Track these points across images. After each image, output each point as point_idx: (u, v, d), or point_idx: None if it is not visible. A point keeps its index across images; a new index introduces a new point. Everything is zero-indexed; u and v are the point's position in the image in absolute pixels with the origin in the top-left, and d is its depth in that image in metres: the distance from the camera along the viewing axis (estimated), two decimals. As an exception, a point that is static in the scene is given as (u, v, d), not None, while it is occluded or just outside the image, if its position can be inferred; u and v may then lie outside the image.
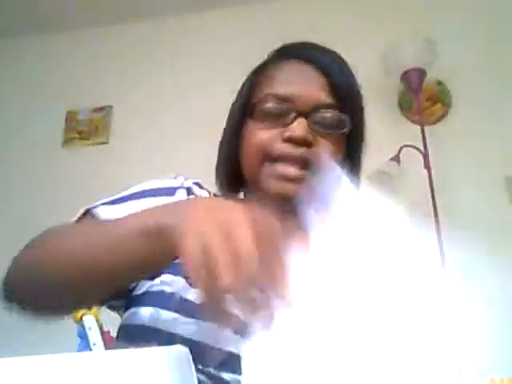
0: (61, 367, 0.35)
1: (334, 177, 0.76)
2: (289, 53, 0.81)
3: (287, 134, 0.73)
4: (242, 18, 2.63)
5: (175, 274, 0.68)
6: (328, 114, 0.75)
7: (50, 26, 2.89)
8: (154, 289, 0.68)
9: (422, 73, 2.20)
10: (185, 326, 0.63)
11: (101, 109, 2.79)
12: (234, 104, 0.84)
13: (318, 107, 0.75)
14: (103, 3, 2.78)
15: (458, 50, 2.40)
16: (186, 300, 0.66)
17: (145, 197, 0.75)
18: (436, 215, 2.03)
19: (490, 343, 2.03)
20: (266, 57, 0.86)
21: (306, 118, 0.74)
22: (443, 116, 2.41)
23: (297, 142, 0.73)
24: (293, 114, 0.74)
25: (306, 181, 0.72)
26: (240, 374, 0.62)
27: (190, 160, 2.06)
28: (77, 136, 2.77)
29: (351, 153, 0.82)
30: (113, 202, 0.74)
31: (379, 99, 2.45)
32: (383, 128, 2.41)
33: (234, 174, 0.81)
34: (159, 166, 2.39)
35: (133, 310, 0.69)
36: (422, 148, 2.15)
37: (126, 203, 0.74)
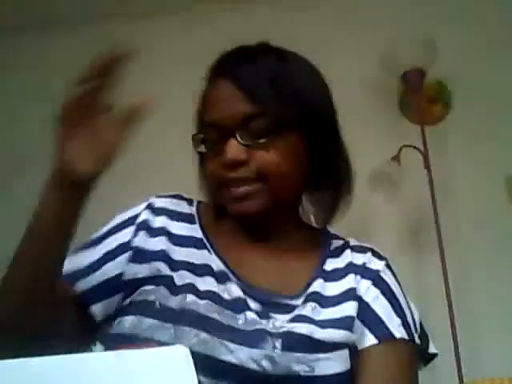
0: (61, 368, 0.35)
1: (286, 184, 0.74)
2: (214, 71, 0.79)
3: (222, 159, 0.72)
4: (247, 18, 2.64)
5: (157, 284, 0.71)
6: (254, 125, 0.72)
7: (50, 26, 2.89)
8: (138, 298, 0.71)
9: (422, 73, 2.20)
10: (163, 331, 0.65)
11: (101, 109, 2.78)
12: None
13: (242, 121, 0.72)
14: (103, 3, 2.78)
15: (458, 50, 2.41)
16: (165, 307, 0.68)
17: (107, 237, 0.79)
18: (436, 215, 2.03)
19: (491, 343, 2.03)
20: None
21: (234, 137, 0.71)
22: (443, 116, 2.41)
23: (231, 165, 0.71)
24: (224, 137, 0.72)
25: (257, 195, 0.72)
26: (220, 378, 0.62)
27: (189, 160, 2.06)
28: (77, 136, 2.76)
29: (318, 152, 0.77)
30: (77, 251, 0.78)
31: (379, 99, 2.45)
32: (383, 128, 2.41)
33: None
34: (159, 165, 2.39)
35: (118, 319, 0.71)
36: (422, 148, 2.15)
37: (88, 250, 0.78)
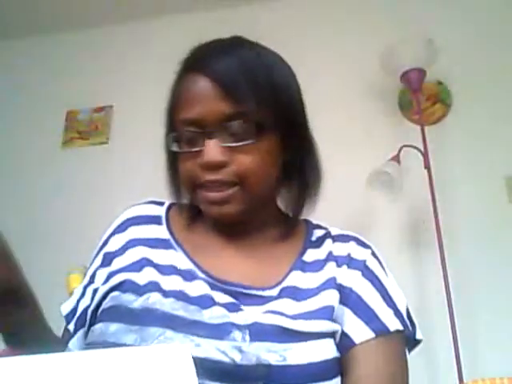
0: (59, 366, 0.35)
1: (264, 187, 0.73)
2: (188, 65, 0.74)
3: (200, 161, 0.69)
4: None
5: (123, 291, 0.70)
6: (235, 126, 0.68)
7: (49, 27, 2.89)
8: (106, 305, 0.71)
9: (422, 73, 2.20)
10: (128, 333, 0.64)
11: (101, 109, 2.79)
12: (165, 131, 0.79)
13: (222, 121, 0.68)
14: (103, 3, 2.78)
15: (458, 50, 2.41)
16: (130, 309, 0.67)
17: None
18: (436, 215, 2.03)
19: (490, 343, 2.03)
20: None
21: (214, 138, 0.68)
22: (443, 116, 2.41)
23: (210, 167, 0.68)
24: (203, 137, 0.69)
25: (236, 199, 0.70)
26: None
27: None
28: (77, 136, 2.77)
29: (292, 150, 0.75)
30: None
31: (379, 99, 2.45)
32: (383, 128, 2.41)
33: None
34: (159, 165, 2.39)
35: (91, 329, 0.71)
36: (422, 148, 2.15)
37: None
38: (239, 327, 0.64)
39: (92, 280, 0.78)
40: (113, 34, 2.88)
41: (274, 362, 0.61)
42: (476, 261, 2.15)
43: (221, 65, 0.70)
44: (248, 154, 0.69)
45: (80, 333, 0.76)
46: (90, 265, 0.81)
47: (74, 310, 0.79)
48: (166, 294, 0.68)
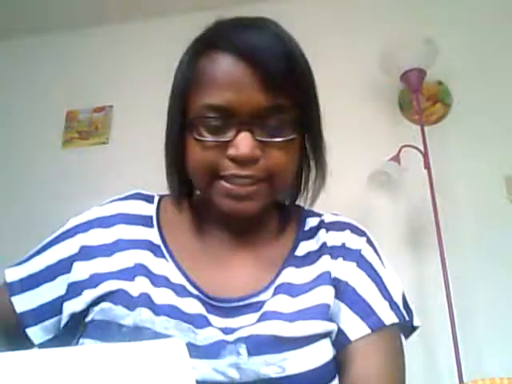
0: (54, 361, 0.35)
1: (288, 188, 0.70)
2: (212, 42, 0.66)
3: (231, 152, 0.63)
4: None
5: (115, 303, 0.65)
6: (273, 121, 0.64)
7: (49, 26, 2.89)
8: (97, 318, 0.65)
9: (422, 73, 2.20)
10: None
11: (101, 109, 2.79)
12: (169, 114, 0.72)
13: (260, 114, 0.63)
14: (103, 3, 2.78)
15: (458, 50, 2.41)
16: (121, 326, 0.63)
17: (50, 247, 0.74)
18: (436, 215, 2.03)
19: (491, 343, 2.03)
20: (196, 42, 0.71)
21: (249, 130, 0.63)
22: (443, 116, 2.41)
23: (242, 161, 0.63)
24: (234, 127, 0.63)
25: (260, 195, 0.66)
26: None
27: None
28: (77, 136, 2.77)
29: (312, 147, 0.72)
30: (20, 262, 0.75)
31: (379, 99, 2.45)
32: (383, 128, 2.41)
33: (185, 182, 0.73)
34: (159, 165, 2.39)
35: (81, 341, 0.66)
36: (422, 148, 2.14)
37: (31, 260, 0.74)
38: (233, 342, 0.62)
39: (66, 270, 0.70)
40: (113, 34, 2.88)
41: (273, 375, 0.60)
42: (476, 261, 2.15)
43: (260, 47, 0.63)
44: (281, 151, 0.65)
45: (38, 327, 0.70)
46: (54, 242, 0.74)
47: (30, 284, 0.71)
48: (157, 308, 0.64)
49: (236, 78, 0.62)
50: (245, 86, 0.62)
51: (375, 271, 0.72)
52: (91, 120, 2.78)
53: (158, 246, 0.71)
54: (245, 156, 0.63)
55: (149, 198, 0.78)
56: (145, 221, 0.74)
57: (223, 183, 0.65)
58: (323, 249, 0.72)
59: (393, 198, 2.15)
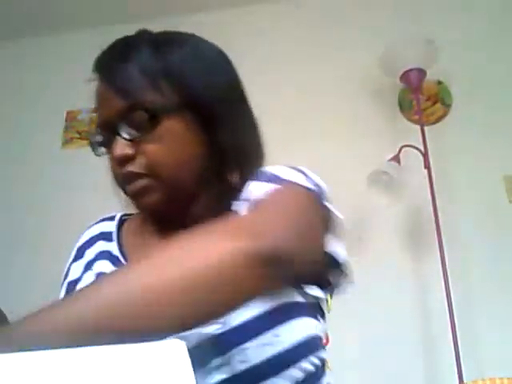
0: (55, 363, 0.35)
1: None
2: (93, 67, 0.77)
3: (111, 157, 0.72)
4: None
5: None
6: (131, 119, 0.70)
7: (49, 27, 2.89)
8: None
9: (422, 73, 2.20)
10: None
11: (101, 109, 2.79)
12: None
13: (121, 116, 0.70)
14: (103, 3, 2.78)
15: (458, 50, 2.41)
16: None
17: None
18: (436, 215, 2.03)
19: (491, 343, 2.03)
20: None
21: (117, 134, 0.70)
22: (443, 116, 2.41)
23: (119, 162, 0.70)
24: (111, 136, 0.71)
25: (152, 189, 0.70)
26: None
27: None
28: (77, 136, 2.77)
29: (216, 132, 0.72)
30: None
31: (379, 99, 2.45)
32: (383, 128, 2.41)
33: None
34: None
35: None
36: (422, 148, 2.15)
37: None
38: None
39: None
40: (113, 34, 2.87)
41: (214, 332, 0.60)
42: (476, 260, 2.15)
43: (111, 65, 0.74)
44: (152, 144, 0.69)
45: None
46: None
47: None
48: None
49: (100, 93, 0.73)
50: (105, 98, 0.72)
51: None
52: (91, 120, 2.78)
53: (117, 257, 0.76)
54: (117, 156, 0.70)
55: (111, 218, 0.85)
56: (105, 236, 0.81)
57: (125, 186, 0.73)
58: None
59: (393, 198, 2.15)
